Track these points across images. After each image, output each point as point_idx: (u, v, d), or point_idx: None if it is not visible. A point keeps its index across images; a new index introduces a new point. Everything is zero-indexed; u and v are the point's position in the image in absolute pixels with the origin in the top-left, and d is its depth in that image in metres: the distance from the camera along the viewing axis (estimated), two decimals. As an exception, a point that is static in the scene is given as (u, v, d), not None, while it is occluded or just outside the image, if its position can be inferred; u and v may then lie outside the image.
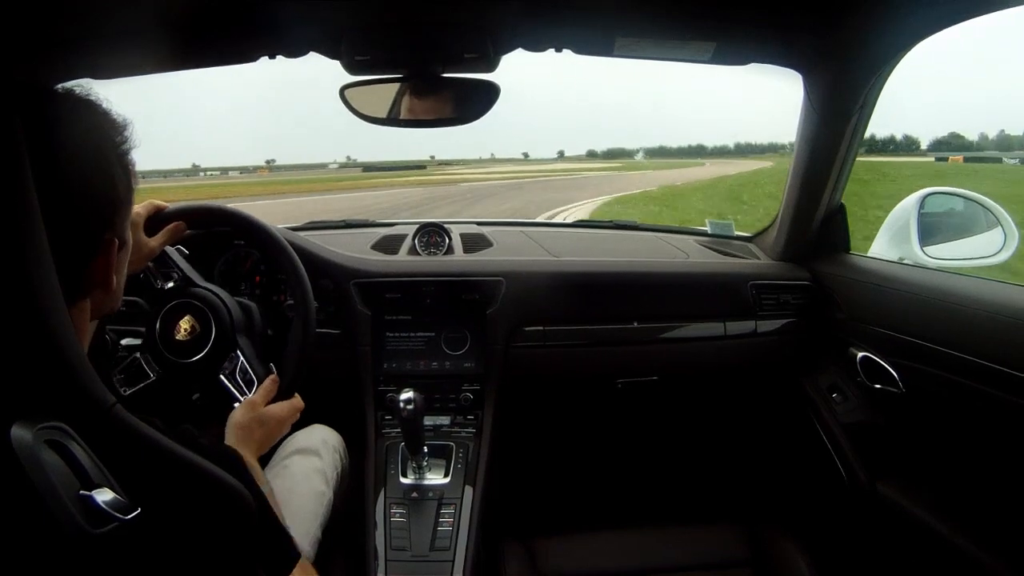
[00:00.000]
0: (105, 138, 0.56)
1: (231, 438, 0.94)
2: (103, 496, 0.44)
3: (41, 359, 0.44)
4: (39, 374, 0.44)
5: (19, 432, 0.42)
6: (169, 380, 1.08)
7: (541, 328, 1.43)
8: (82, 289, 0.58)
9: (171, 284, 1.11)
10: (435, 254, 1.61)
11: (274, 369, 1.11)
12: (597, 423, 1.72)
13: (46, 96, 0.54)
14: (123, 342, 1.15)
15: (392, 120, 1.05)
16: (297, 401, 1.06)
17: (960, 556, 1.11)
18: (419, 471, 1.24)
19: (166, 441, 0.50)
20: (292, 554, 0.69)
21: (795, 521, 1.45)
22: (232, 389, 1.07)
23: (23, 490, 0.41)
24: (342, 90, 1.02)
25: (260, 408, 0.99)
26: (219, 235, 1.32)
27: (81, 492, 0.43)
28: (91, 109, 0.56)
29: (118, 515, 0.44)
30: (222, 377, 1.07)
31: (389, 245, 1.62)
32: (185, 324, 1.07)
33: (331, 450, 1.22)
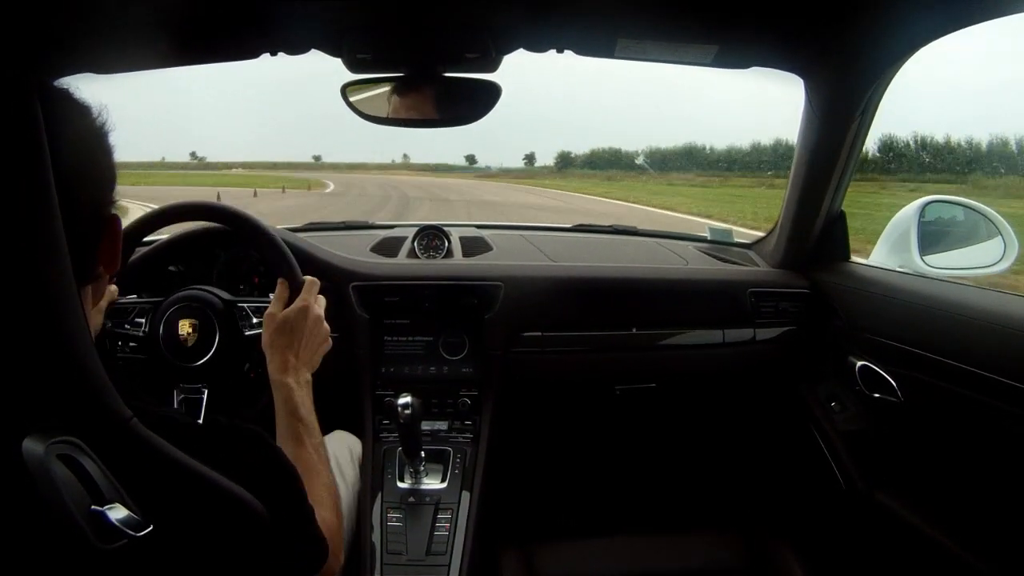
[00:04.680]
0: (93, 122, 0.57)
1: (272, 367, 0.92)
2: (116, 513, 0.43)
3: (57, 370, 0.43)
4: (55, 385, 0.43)
5: (31, 445, 0.41)
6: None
7: (539, 334, 1.42)
8: (90, 273, 0.58)
9: (143, 324, 1.10)
10: (434, 257, 1.61)
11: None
12: (595, 429, 1.72)
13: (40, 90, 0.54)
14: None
15: (392, 119, 1.05)
16: (308, 283, 1.01)
17: (957, 565, 1.10)
18: (416, 476, 1.22)
19: (181, 456, 0.49)
20: (322, 552, 0.69)
21: (793, 529, 1.44)
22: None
23: (34, 504, 0.41)
24: (343, 88, 1.02)
25: (278, 316, 0.95)
26: (205, 242, 1.32)
27: (93, 508, 0.42)
28: (69, 97, 0.56)
29: (130, 532, 0.43)
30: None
31: (388, 248, 1.62)
32: (188, 327, 1.07)
33: (348, 462, 1.22)
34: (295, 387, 0.90)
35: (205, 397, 1.08)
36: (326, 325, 0.99)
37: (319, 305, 0.99)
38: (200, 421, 1.04)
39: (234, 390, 1.11)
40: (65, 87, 0.56)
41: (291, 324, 0.94)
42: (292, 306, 0.96)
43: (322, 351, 0.99)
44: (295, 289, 1.00)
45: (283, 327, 0.94)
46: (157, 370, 1.08)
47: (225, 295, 1.12)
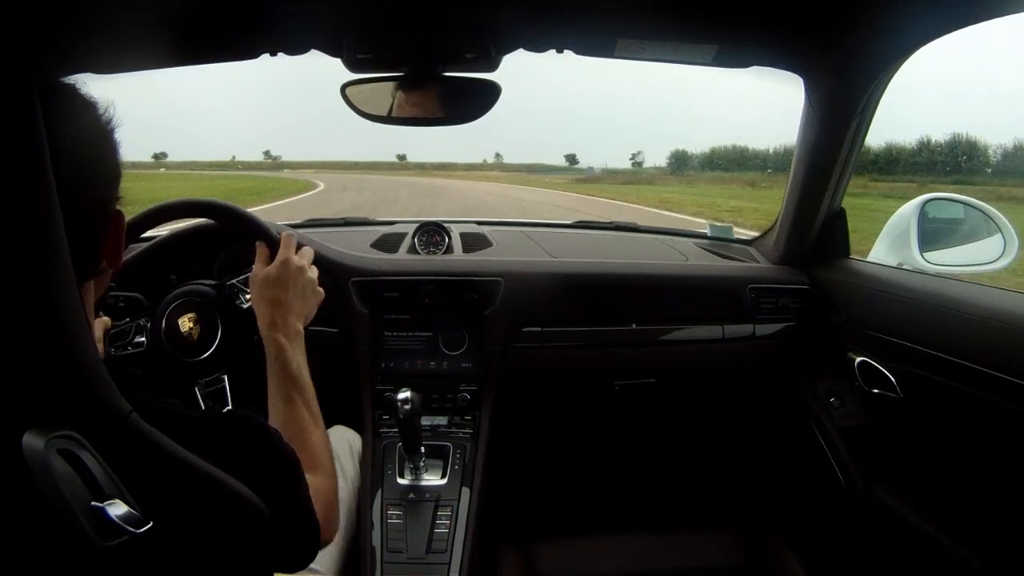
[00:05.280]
0: (99, 118, 0.57)
1: (261, 324, 0.92)
2: (116, 510, 0.43)
3: (56, 364, 0.43)
4: (54, 380, 0.43)
5: (31, 440, 0.41)
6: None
7: (539, 329, 1.42)
8: (94, 269, 0.58)
9: (143, 342, 1.09)
10: (435, 253, 1.61)
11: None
12: (594, 425, 1.72)
13: (44, 86, 0.54)
14: None
15: (392, 118, 1.05)
16: (284, 237, 0.99)
17: (956, 562, 1.10)
18: (416, 472, 1.23)
19: (180, 451, 0.49)
20: (313, 549, 0.69)
21: (792, 526, 1.45)
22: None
23: (34, 500, 0.41)
24: (343, 88, 1.02)
25: (260, 274, 0.95)
26: (199, 241, 1.31)
27: (93, 504, 0.42)
28: (76, 93, 0.56)
29: (129, 528, 0.43)
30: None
31: (388, 244, 1.62)
32: (188, 322, 1.07)
33: (347, 457, 1.23)
34: (285, 343, 0.89)
35: (227, 384, 1.07)
36: (311, 275, 0.98)
37: (301, 257, 0.98)
38: (229, 407, 1.05)
39: (253, 366, 1.11)
40: (71, 83, 0.56)
41: (274, 278, 0.93)
42: (274, 262, 0.96)
43: (314, 301, 0.98)
44: (273, 246, 0.99)
45: (267, 282, 0.93)
46: (172, 375, 1.07)
47: (212, 281, 1.11)
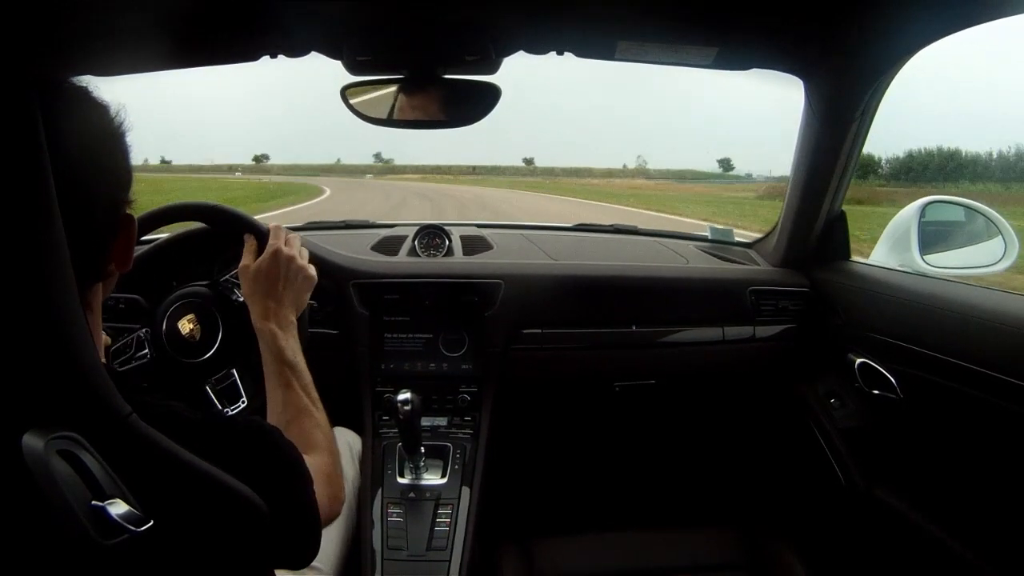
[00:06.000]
0: (111, 121, 0.57)
1: (254, 315, 0.91)
2: (116, 509, 0.43)
3: (56, 365, 0.43)
4: (54, 381, 0.43)
5: (31, 441, 0.41)
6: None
7: (539, 331, 1.42)
8: (101, 271, 0.58)
9: (147, 353, 1.07)
10: (435, 256, 1.61)
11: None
12: (594, 426, 1.72)
13: (53, 88, 0.54)
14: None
15: (392, 121, 1.05)
16: (273, 229, 0.99)
17: (957, 562, 1.11)
18: (416, 471, 1.24)
19: (181, 452, 0.49)
20: (315, 546, 0.69)
21: (792, 526, 1.45)
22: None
23: (34, 500, 0.41)
24: (343, 90, 1.03)
25: (251, 267, 0.94)
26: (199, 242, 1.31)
27: (93, 503, 0.42)
28: (88, 95, 0.56)
29: (130, 527, 0.43)
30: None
31: (389, 246, 1.62)
32: (189, 324, 1.07)
33: (348, 458, 1.23)
34: (279, 332, 0.89)
35: (238, 379, 1.05)
36: (300, 262, 0.96)
37: (290, 247, 0.97)
38: (243, 400, 1.03)
39: (259, 359, 1.10)
40: (83, 85, 0.56)
41: (265, 271, 0.93)
42: (264, 254, 0.95)
43: (305, 290, 0.97)
44: (261, 238, 0.98)
45: (258, 275, 0.93)
46: (180, 379, 1.06)
47: (207, 281, 1.11)
